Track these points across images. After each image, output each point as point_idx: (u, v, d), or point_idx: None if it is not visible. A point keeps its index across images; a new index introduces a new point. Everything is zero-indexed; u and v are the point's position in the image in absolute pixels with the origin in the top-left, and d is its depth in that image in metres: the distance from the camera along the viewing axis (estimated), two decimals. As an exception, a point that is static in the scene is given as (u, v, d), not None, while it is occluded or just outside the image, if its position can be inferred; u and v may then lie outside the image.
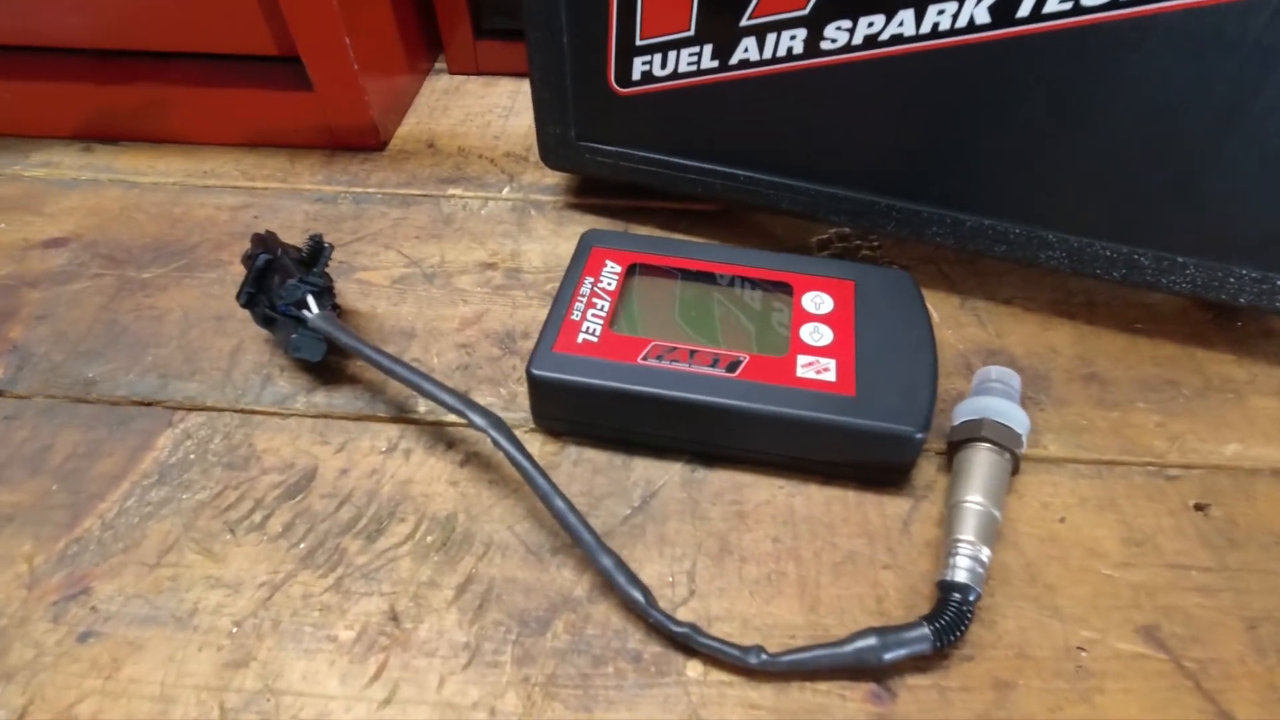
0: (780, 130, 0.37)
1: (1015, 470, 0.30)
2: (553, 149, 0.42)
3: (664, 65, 0.37)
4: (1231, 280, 0.33)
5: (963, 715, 0.25)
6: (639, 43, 0.36)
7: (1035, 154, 0.33)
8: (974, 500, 0.28)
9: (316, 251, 0.36)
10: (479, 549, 0.29)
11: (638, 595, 0.26)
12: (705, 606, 0.28)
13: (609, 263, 0.36)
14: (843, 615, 0.27)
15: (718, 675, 0.26)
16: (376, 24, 0.49)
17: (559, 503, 0.27)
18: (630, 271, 0.35)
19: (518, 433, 0.30)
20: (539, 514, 0.30)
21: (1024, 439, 0.30)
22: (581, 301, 0.33)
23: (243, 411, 0.35)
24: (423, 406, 0.35)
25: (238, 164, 0.50)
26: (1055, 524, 0.30)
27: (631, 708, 0.25)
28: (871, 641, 0.25)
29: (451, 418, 0.34)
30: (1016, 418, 0.30)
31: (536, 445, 0.33)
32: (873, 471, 0.31)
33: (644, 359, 0.31)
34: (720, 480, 0.31)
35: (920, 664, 0.26)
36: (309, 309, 0.34)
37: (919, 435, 0.29)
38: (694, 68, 0.36)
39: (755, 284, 0.35)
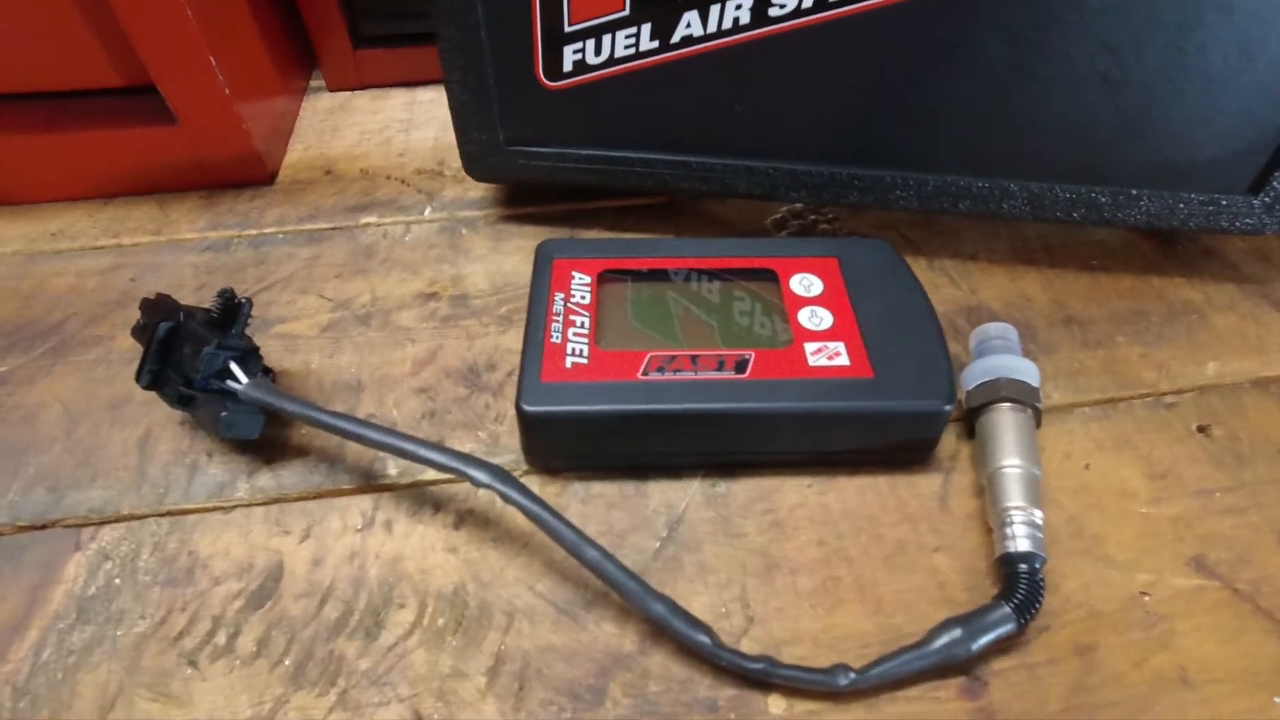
0: (731, 109, 0.35)
1: (1038, 424, 0.29)
2: (479, 159, 0.38)
3: (598, 51, 0.34)
4: (1181, 207, 0.34)
5: (1057, 689, 0.24)
6: (568, 29, 0.33)
7: (995, 104, 0.33)
8: (1012, 464, 0.27)
9: (230, 309, 0.30)
10: (501, 621, 0.25)
11: (702, 638, 0.23)
12: (768, 632, 0.25)
13: (576, 274, 0.32)
14: (910, 611, 0.26)
15: (804, 706, 0.23)
16: (241, 38, 0.42)
17: (591, 553, 0.24)
18: (602, 280, 0.32)
19: (507, 460, 0.26)
20: (560, 566, 0.27)
21: (1040, 392, 0.29)
22: (558, 321, 0.30)
23: (171, 514, 0.29)
24: (393, 468, 0.30)
25: (94, 220, 0.42)
26: (1083, 473, 0.29)
27: (720, 765, 0.22)
28: (956, 634, 0.24)
29: (431, 474, 0.30)
30: (1029, 371, 0.29)
31: (535, 489, 0.29)
32: (899, 452, 0.29)
33: (644, 374, 0.28)
34: (745, 490, 0.29)
35: (1001, 645, 0.24)
36: (236, 378, 0.29)
37: (947, 408, 0.27)
38: (632, 50, 0.33)
39: (737, 275, 0.33)
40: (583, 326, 0.30)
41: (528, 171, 0.38)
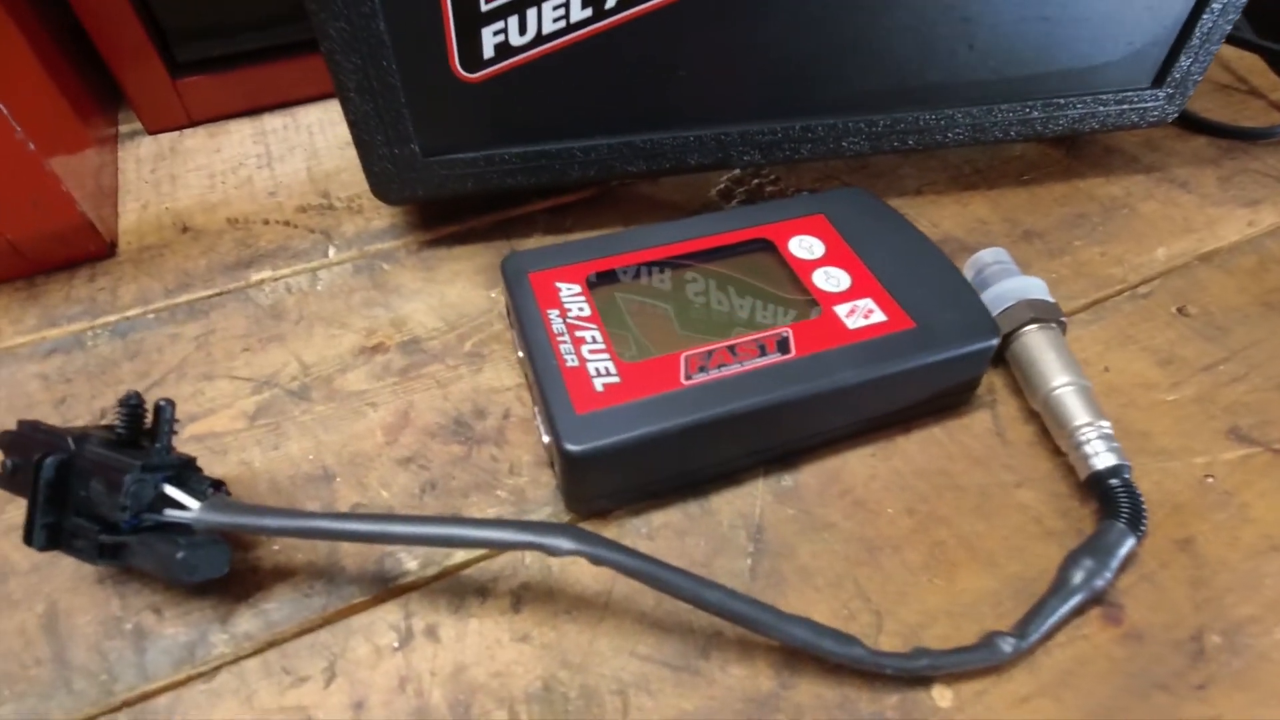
0: (676, 75, 0.32)
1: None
2: (391, 178, 0.32)
3: (523, 29, 0.29)
4: (1100, 109, 0.36)
5: (1181, 590, 0.24)
6: (485, 6, 0.28)
7: (932, 32, 0.32)
8: (1064, 382, 0.27)
9: (136, 418, 0.23)
10: (615, 704, 0.21)
11: (857, 650, 0.21)
12: (900, 621, 0.23)
13: (560, 285, 0.28)
14: (1021, 555, 0.25)
15: (970, 688, 0.22)
16: (27, 77, 0.33)
17: (713, 594, 0.21)
18: (592, 286, 0.28)
19: (544, 511, 0.22)
20: (654, 619, 0.23)
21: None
22: (565, 341, 0.26)
23: (129, 703, 0.21)
24: (410, 560, 0.24)
25: None
26: (1105, 375, 0.30)
27: (915, 783, 0.20)
28: (1089, 565, 0.23)
29: (460, 556, 0.24)
30: (1041, 288, 0.29)
31: (591, 537, 0.25)
32: (948, 398, 0.28)
33: (688, 378, 0.25)
34: (812, 477, 0.27)
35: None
36: (179, 505, 0.22)
37: (995, 342, 0.27)
38: (562, 23, 0.29)
39: (732, 250, 0.30)
40: (596, 341, 0.26)
41: (451, 183, 0.33)
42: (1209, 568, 0.24)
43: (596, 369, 0.25)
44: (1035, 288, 0.29)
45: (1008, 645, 0.21)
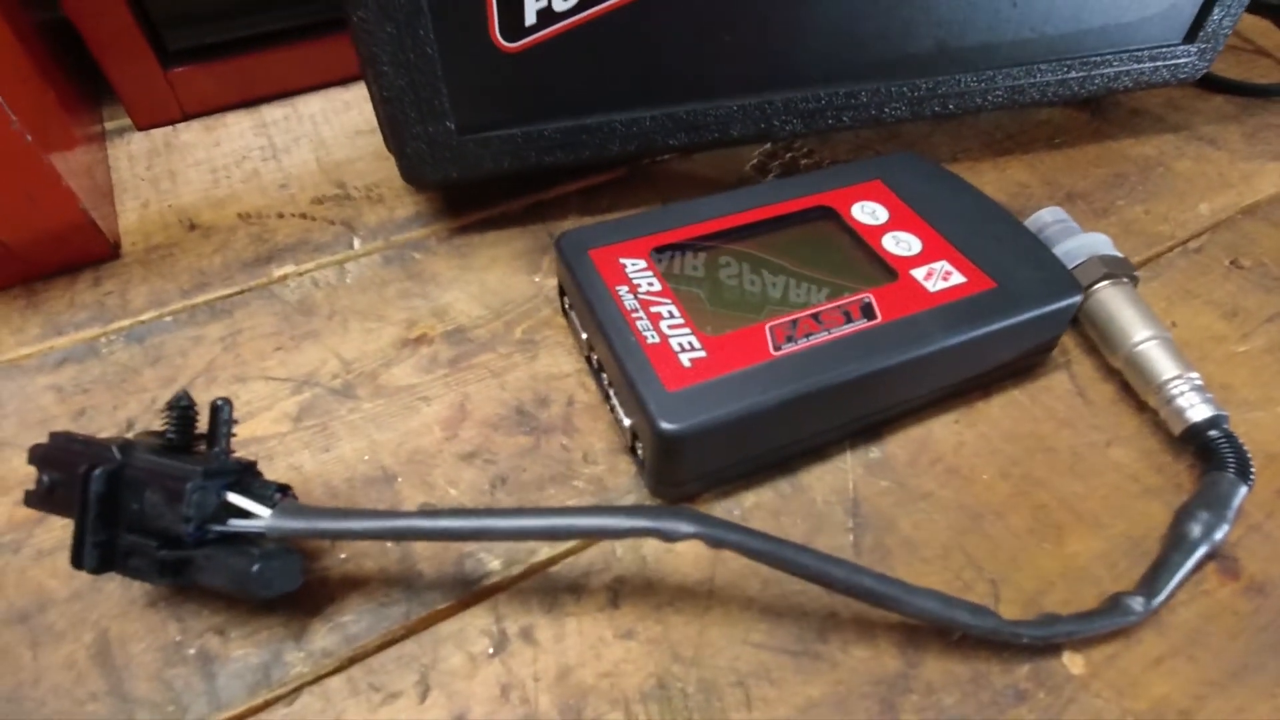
0: (722, 40, 0.30)
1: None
2: (425, 159, 0.30)
3: (567, -4, 0.28)
4: (1135, 67, 0.36)
5: (1290, 541, 0.23)
6: (529, -28, 0.27)
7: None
8: (1146, 336, 0.26)
9: (188, 421, 0.21)
10: (737, 696, 0.20)
11: (991, 620, 0.20)
12: (1017, 588, 0.22)
13: (624, 261, 0.26)
14: (1125, 513, 0.24)
15: (1101, 653, 0.21)
16: (18, 68, 0.30)
17: (839, 571, 0.19)
18: (657, 259, 0.27)
19: (629, 498, 0.20)
20: (765, 603, 0.22)
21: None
22: (642, 318, 0.24)
23: (204, 735, 0.19)
24: (493, 560, 0.23)
25: None
26: (1173, 330, 0.30)
27: (1062, 755, 0.19)
28: (1206, 518, 0.22)
29: (546, 552, 0.23)
30: (1108, 244, 0.29)
31: (682, 523, 0.23)
32: (1029, 358, 0.27)
33: (777, 348, 0.23)
34: (900, 447, 0.26)
35: (1222, 516, 0.24)
36: (247, 513, 0.20)
37: (1079, 298, 0.26)
38: (608, -12, 0.28)
39: (794, 219, 0.29)
40: (674, 316, 0.24)
41: (488, 163, 0.31)
42: (1314, 515, 0.24)
43: (680, 344, 0.23)
44: (1103, 243, 0.29)
45: (1137, 605, 0.21)
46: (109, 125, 0.41)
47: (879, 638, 0.21)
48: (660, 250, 0.27)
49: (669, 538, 0.19)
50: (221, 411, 0.21)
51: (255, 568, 0.19)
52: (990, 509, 0.24)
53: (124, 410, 0.27)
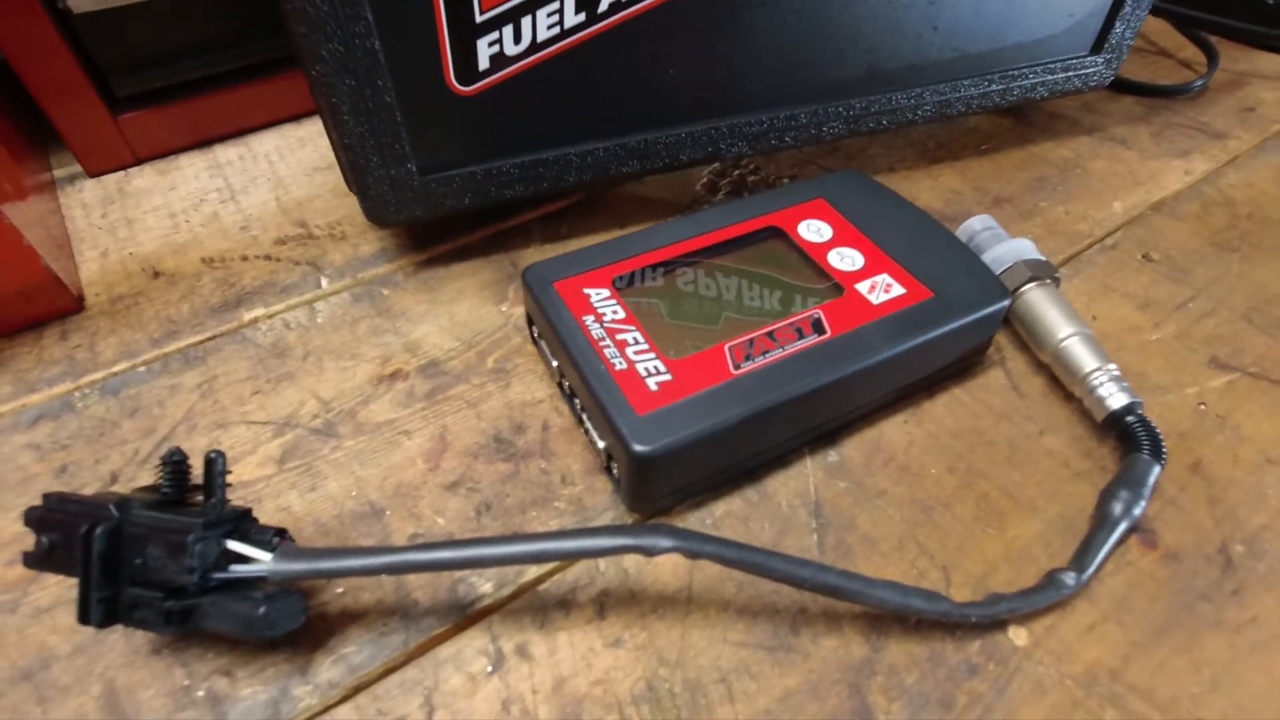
0: (667, 74, 0.32)
1: (1056, 293, 0.32)
2: (388, 201, 0.31)
3: (518, 38, 0.29)
4: (1049, 78, 0.39)
5: (1200, 511, 0.26)
6: (480, 17, 0.28)
7: (904, 19, 0.34)
8: (1070, 332, 0.29)
9: (181, 474, 0.22)
10: (720, 692, 0.22)
11: (944, 604, 0.22)
12: (965, 573, 0.24)
13: (588, 290, 0.28)
14: (1058, 497, 0.26)
15: (1041, 624, 0.23)
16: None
17: (806, 571, 0.21)
18: (618, 288, 0.28)
19: (607, 515, 0.22)
20: (740, 605, 0.23)
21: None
22: (609, 346, 0.26)
23: (220, 774, 0.20)
24: (485, 583, 0.24)
25: None
26: (1094, 324, 0.32)
27: (1009, 709, 0.21)
28: (1125, 496, 0.25)
29: (533, 572, 0.24)
30: (1031, 248, 0.31)
31: (659, 536, 0.25)
32: (967, 359, 0.30)
33: (737, 367, 0.25)
34: (855, 450, 0.28)
35: (1141, 493, 0.26)
36: (248, 559, 0.21)
37: (1008, 302, 0.28)
38: (556, 30, 0.29)
39: (746, 241, 0.31)
40: (638, 342, 0.26)
41: (449, 200, 0.32)
42: (1219, 486, 0.27)
43: (646, 369, 0.25)
44: (1027, 249, 0.31)
45: (1070, 579, 0.23)
46: (58, 173, 0.41)
47: (845, 628, 0.23)
48: (622, 278, 0.29)
49: (649, 553, 0.21)
50: (216, 464, 0.21)
51: (261, 611, 0.20)
52: (939, 502, 0.26)
53: (106, 464, 0.27)
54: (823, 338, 0.26)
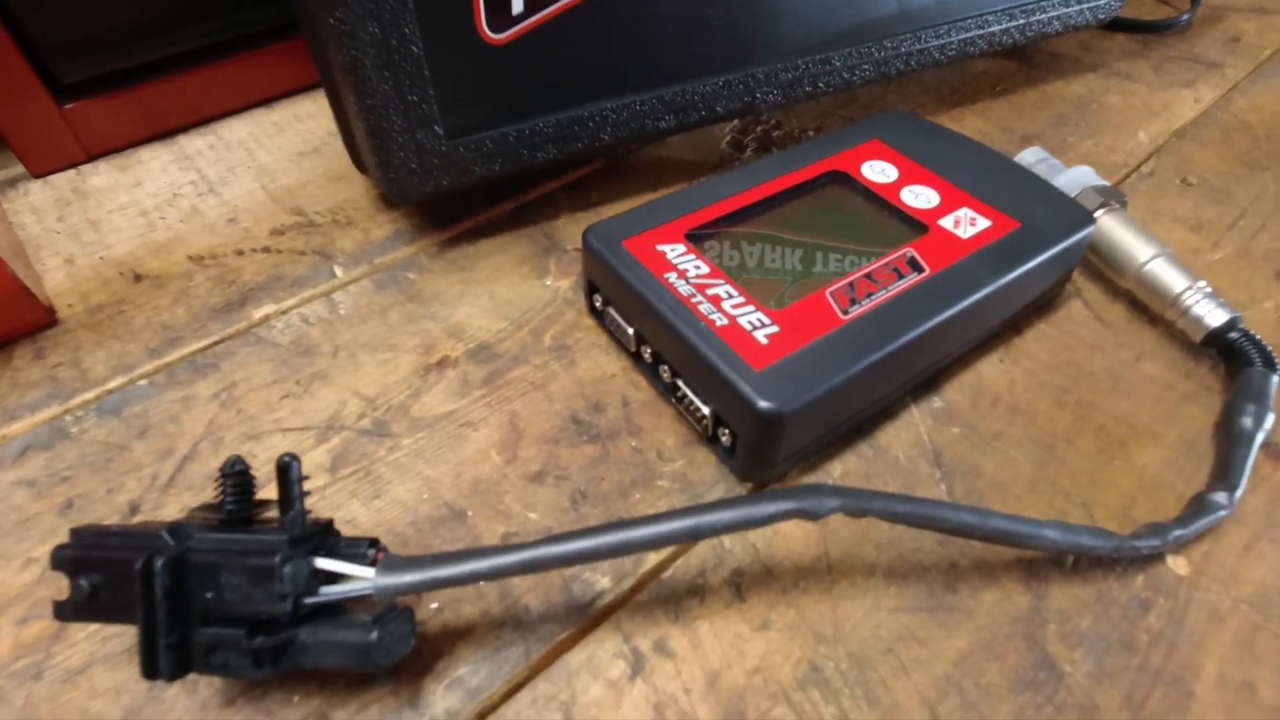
0: (707, 13, 0.30)
1: (1122, 217, 0.31)
2: (413, 171, 0.28)
3: (554, -21, 0.26)
4: (1063, 12, 0.38)
5: (1312, 420, 0.25)
6: (516, -44, 0.25)
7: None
8: (1153, 254, 0.28)
9: (246, 487, 0.18)
10: (889, 665, 0.20)
11: (1112, 540, 0.20)
12: (1107, 508, 0.23)
13: (662, 248, 0.25)
14: (1173, 420, 0.25)
15: (1199, 550, 0.22)
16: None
17: (974, 518, 0.19)
18: (693, 242, 0.26)
19: (717, 489, 0.20)
20: (887, 569, 0.21)
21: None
22: (703, 302, 0.23)
23: (340, 836, 0.17)
24: (602, 578, 0.21)
25: None
26: (1155, 247, 0.32)
27: (1193, 642, 0.20)
28: (1253, 409, 0.24)
29: (653, 560, 0.22)
30: (1092, 174, 0.30)
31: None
32: (1052, 291, 0.29)
33: (844, 313, 0.23)
34: (958, 394, 0.26)
35: (1252, 408, 0.25)
36: (348, 575, 0.17)
37: (1093, 227, 0.27)
38: (595, -31, 0.27)
39: (811, 186, 0.29)
40: (733, 295, 0.24)
41: (479, 167, 0.29)
42: (1323, 393, 0.26)
43: (750, 322, 0.23)
44: (1090, 175, 0.30)
45: (1223, 500, 0.22)
46: (-3, 176, 0.35)
47: (1001, 578, 0.21)
48: (693, 232, 0.26)
49: (813, 516, 0.18)
50: (291, 469, 0.18)
51: (374, 636, 0.17)
52: (1058, 438, 0.25)
53: (121, 494, 0.23)
54: (923, 276, 0.25)
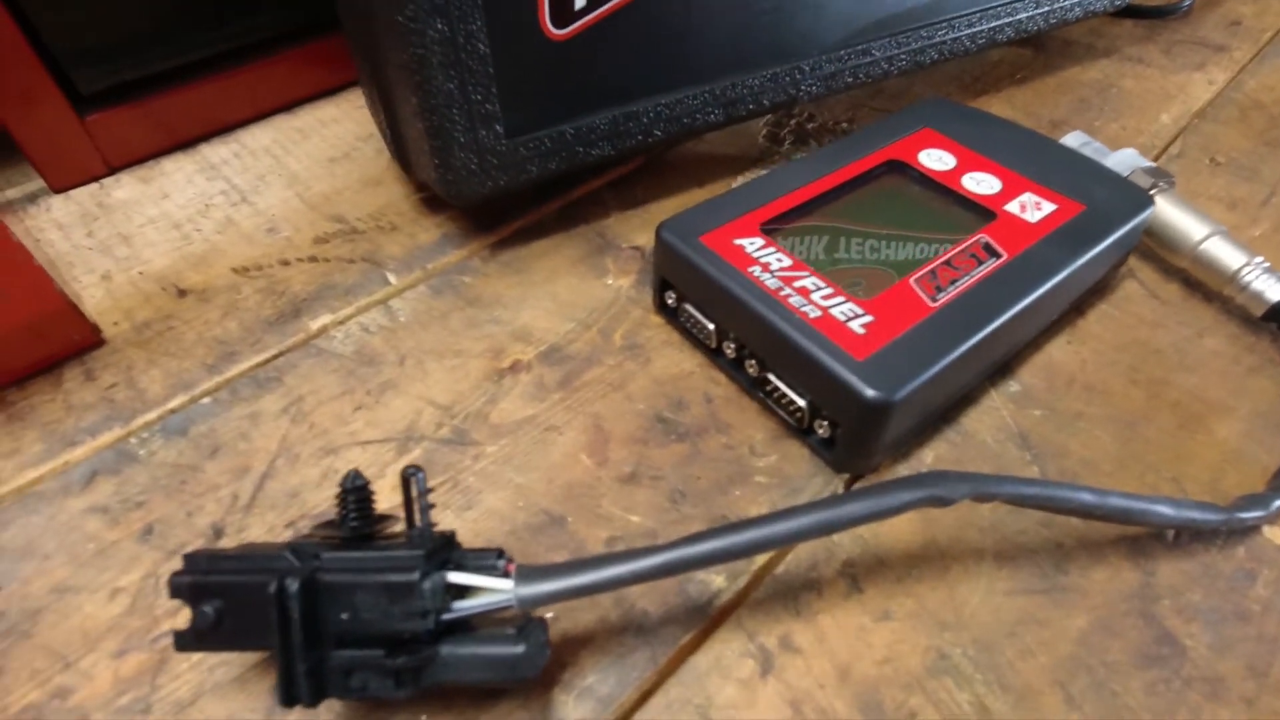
0: (761, 7, 0.30)
1: (1168, 198, 0.31)
2: (472, 171, 0.27)
3: (616, -27, 0.26)
4: (1067, 1, 0.39)
5: (1373, 387, 0.26)
6: (581, -50, 0.25)
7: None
8: (1209, 232, 0.28)
9: (367, 502, 0.18)
10: (1014, 649, 0.20)
11: (1220, 514, 0.21)
12: (1198, 481, 0.23)
13: (740, 242, 0.25)
14: (1244, 393, 0.26)
15: (1291, 520, 0.22)
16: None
17: (1092, 498, 0.19)
18: (768, 235, 0.26)
19: (815, 482, 0.20)
20: (997, 552, 0.21)
21: (1157, 170, 0.31)
22: (792, 294, 0.23)
23: None
24: (717, 579, 0.21)
25: None
26: (1197, 226, 0.32)
27: (1304, 619, 0.20)
28: (1326, 381, 0.24)
29: (762, 558, 0.21)
30: (1138, 156, 0.31)
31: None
32: (1113, 271, 0.29)
33: (933, 300, 0.23)
34: (1033, 377, 0.26)
35: (1317, 378, 0.26)
36: (486, 588, 0.17)
37: (1153, 207, 0.28)
38: (656, -38, 0.26)
39: (869, 177, 0.29)
40: (820, 287, 0.24)
41: (535, 165, 0.29)
42: (1379, 361, 0.27)
43: (843, 313, 0.23)
44: (1136, 157, 0.31)
45: (1314, 469, 0.22)
46: (10, 193, 0.34)
47: (1108, 556, 0.22)
48: (766, 226, 0.26)
49: (945, 502, 0.18)
50: (419, 482, 0.17)
51: (521, 649, 0.16)
52: (1137, 415, 0.25)
53: (202, 516, 0.22)
54: (1001, 261, 0.25)
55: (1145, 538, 0.22)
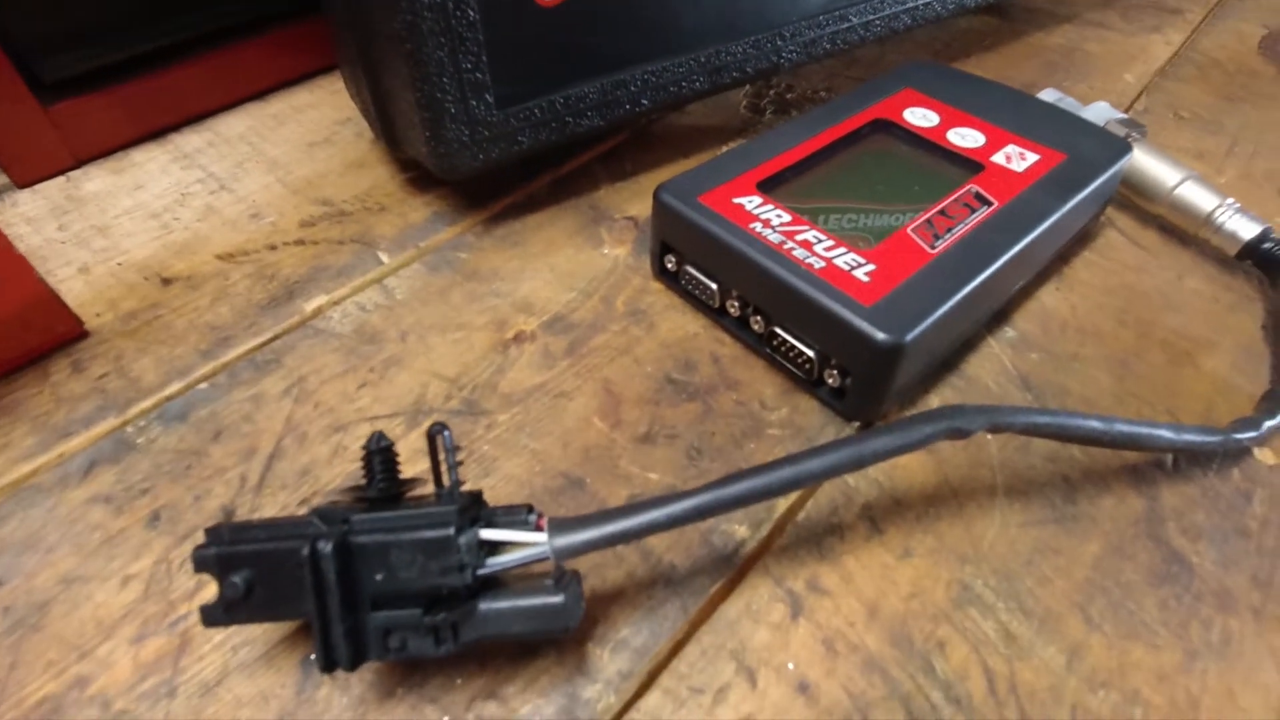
0: (739, -26, 0.30)
1: (1139, 148, 0.33)
2: (464, 144, 0.27)
3: (602, -63, 0.26)
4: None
5: (1343, 317, 0.27)
6: (568, -87, 0.24)
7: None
8: (1182, 177, 0.29)
9: (392, 462, 0.17)
10: (1033, 575, 0.20)
11: (1218, 435, 0.21)
12: (1191, 412, 0.24)
13: (739, 200, 0.25)
14: (1226, 329, 0.27)
15: (1277, 441, 0.23)
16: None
17: (1102, 424, 0.20)
18: (767, 191, 0.26)
19: (827, 432, 0.20)
20: (1007, 488, 0.22)
21: (1128, 121, 0.32)
22: (795, 248, 0.24)
23: (543, 809, 0.16)
24: (739, 527, 0.21)
25: None
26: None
27: (1300, 533, 0.21)
28: (1303, 311, 0.25)
29: (783, 504, 0.22)
30: (1110, 108, 0.32)
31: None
32: (1093, 220, 0.30)
33: (933, 247, 0.24)
34: (1027, 323, 0.27)
35: (1291, 311, 0.27)
36: (521, 542, 0.17)
37: (1132, 154, 0.28)
38: (641, -74, 0.26)
39: (858, 136, 0.29)
40: (822, 239, 0.24)
41: (525, 137, 0.28)
42: (1347, 293, 0.28)
43: (846, 263, 0.23)
44: (1109, 110, 0.32)
45: (1301, 392, 0.23)
46: (-28, 190, 0.32)
47: (1113, 484, 0.22)
48: (762, 184, 0.26)
49: (964, 434, 0.19)
50: (446, 439, 0.17)
51: (560, 599, 0.16)
52: (1129, 354, 0.26)
53: (211, 499, 0.22)
54: (993, 209, 0.25)
55: (1146, 466, 0.23)
